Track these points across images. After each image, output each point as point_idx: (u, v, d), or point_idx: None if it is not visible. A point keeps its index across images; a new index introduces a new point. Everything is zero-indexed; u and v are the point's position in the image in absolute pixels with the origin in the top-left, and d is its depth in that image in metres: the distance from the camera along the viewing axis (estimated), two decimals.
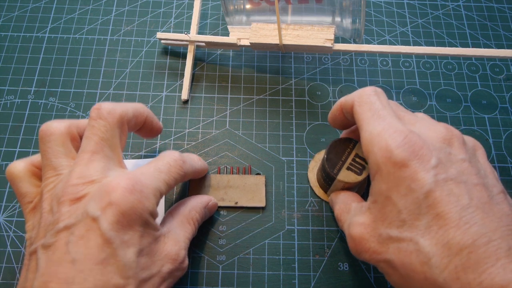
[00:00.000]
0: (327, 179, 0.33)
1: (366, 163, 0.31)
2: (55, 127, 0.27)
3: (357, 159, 0.32)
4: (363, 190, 0.35)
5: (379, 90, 0.27)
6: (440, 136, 0.25)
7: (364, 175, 0.31)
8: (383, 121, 0.25)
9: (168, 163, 0.28)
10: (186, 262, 0.28)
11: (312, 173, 0.37)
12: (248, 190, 0.36)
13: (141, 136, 0.33)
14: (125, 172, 0.26)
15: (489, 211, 0.21)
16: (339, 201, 0.31)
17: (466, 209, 0.21)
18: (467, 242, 0.20)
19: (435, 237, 0.21)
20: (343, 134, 0.33)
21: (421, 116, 0.28)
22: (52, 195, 0.25)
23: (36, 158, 0.28)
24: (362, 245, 0.25)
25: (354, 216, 0.27)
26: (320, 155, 0.38)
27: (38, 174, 0.28)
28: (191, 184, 0.36)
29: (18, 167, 0.28)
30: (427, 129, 0.25)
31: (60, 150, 0.27)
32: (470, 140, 0.27)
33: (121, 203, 0.23)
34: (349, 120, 0.30)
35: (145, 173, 0.26)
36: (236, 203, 0.35)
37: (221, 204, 0.35)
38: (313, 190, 0.36)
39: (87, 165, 0.25)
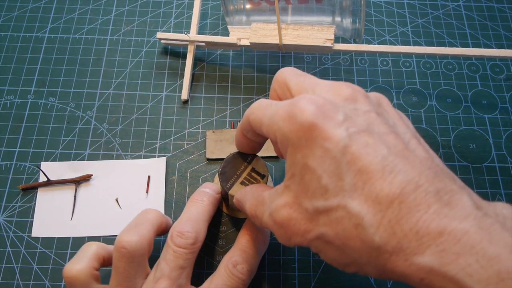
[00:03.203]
0: (223, 193, 0.32)
1: (262, 177, 0.31)
2: (76, 273, 0.28)
3: (253, 174, 0.31)
4: None
5: (265, 100, 0.26)
6: (343, 95, 0.23)
7: None
8: (278, 104, 0.24)
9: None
10: None
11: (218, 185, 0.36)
12: None
13: None
14: None
15: (409, 156, 0.21)
16: (248, 198, 0.28)
17: (387, 158, 0.20)
18: (396, 192, 0.19)
19: (363, 194, 0.20)
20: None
21: (321, 80, 0.26)
22: None
23: (95, 258, 0.29)
24: (291, 228, 0.23)
25: (272, 202, 0.24)
26: None
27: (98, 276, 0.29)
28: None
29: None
30: (328, 90, 0.24)
31: None
32: (372, 94, 0.25)
33: None
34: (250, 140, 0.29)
35: None
36: None
37: None
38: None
39: None
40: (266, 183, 0.31)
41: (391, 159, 0.20)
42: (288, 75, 0.26)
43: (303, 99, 0.22)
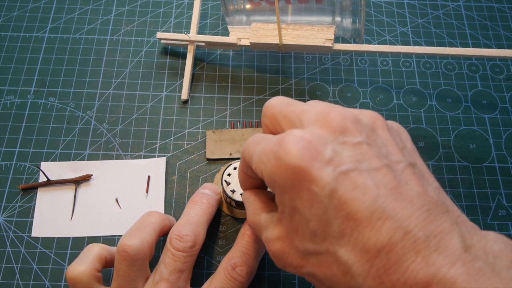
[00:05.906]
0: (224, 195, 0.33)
1: None
2: (79, 274, 0.28)
3: None
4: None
5: (259, 135, 0.25)
6: (331, 126, 0.22)
7: None
8: (268, 140, 0.23)
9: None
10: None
11: (218, 185, 0.35)
12: None
13: None
14: None
15: (399, 196, 0.20)
16: (249, 208, 0.28)
17: (375, 201, 0.19)
18: (384, 241, 0.19)
19: (350, 242, 0.20)
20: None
21: (312, 102, 0.25)
22: None
23: (97, 260, 0.29)
24: (284, 260, 0.23)
25: (267, 229, 0.25)
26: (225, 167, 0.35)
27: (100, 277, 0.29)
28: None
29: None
30: (315, 120, 0.22)
31: None
32: (366, 115, 0.24)
33: None
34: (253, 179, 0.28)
35: None
36: None
37: (238, 156, 0.37)
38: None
39: None
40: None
41: (380, 202, 0.20)
42: (276, 108, 0.25)
43: (288, 137, 0.21)
